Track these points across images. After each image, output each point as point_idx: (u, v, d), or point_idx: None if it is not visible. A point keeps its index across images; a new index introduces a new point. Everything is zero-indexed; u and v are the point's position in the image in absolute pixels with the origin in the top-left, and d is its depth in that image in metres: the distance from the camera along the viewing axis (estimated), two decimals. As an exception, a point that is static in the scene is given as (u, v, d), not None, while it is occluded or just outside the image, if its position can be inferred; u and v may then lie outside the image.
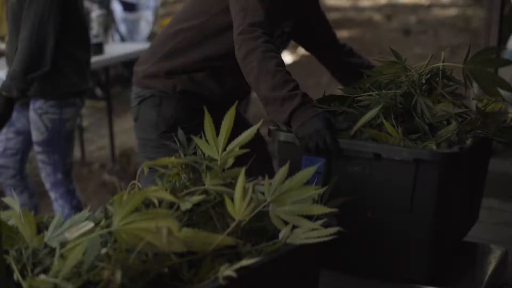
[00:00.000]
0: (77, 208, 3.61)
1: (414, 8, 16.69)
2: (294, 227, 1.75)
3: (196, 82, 2.69)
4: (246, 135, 1.92)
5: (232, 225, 1.68)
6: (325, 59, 2.98)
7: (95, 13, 5.48)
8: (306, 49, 2.99)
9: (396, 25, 13.39)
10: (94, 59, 4.92)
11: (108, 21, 5.66)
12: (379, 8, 16.48)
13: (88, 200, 4.75)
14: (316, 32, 2.89)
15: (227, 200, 1.69)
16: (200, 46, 2.67)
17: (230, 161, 1.94)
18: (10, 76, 3.28)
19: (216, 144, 1.90)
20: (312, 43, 2.95)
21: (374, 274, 2.32)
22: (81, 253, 1.51)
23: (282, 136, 2.29)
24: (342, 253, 2.13)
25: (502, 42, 4.66)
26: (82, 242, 1.54)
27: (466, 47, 2.39)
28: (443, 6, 17.13)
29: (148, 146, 2.74)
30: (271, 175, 1.83)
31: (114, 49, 5.42)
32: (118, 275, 1.44)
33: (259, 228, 1.79)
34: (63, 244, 1.62)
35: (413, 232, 2.19)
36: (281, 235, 1.74)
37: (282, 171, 1.78)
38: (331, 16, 2.71)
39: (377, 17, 14.99)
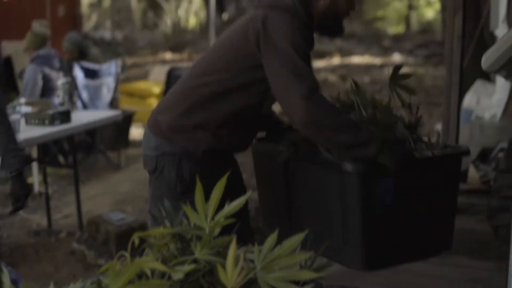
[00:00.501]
0: (14, 282, 3.53)
1: (367, 68, 17.03)
2: (283, 292, 1.80)
3: (218, 138, 2.79)
4: (235, 205, 1.97)
5: (225, 293, 1.72)
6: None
7: (60, 80, 5.51)
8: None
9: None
10: (61, 127, 4.97)
11: (72, 88, 5.68)
12: (333, 69, 16.78)
13: (58, 269, 4.72)
14: None
15: (219, 269, 1.73)
16: (224, 100, 2.78)
17: (218, 230, 1.98)
18: (10, 155, 3.28)
19: (205, 212, 1.95)
20: None
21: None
22: (80, 326, 1.54)
23: (352, 168, 2.62)
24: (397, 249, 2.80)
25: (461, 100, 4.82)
26: (80, 315, 1.56)
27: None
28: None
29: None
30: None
31: (79, 116, 5.45)
32: None
33: (249, 295, 1.83)
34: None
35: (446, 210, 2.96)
36: (270, 301, 1.78)
37: (271, 239, 1.83)
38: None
39: (332, 77, 15.25)
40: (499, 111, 6.76)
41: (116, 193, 6.86)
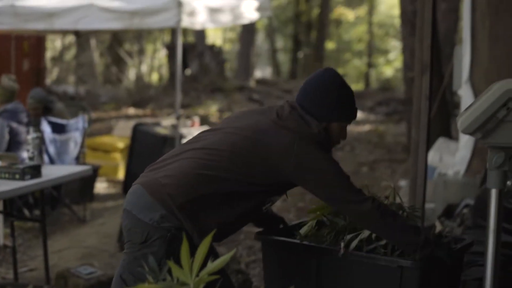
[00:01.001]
0: None
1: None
2: None
3: (221, 229, 2.89)
4: (217, 263, 2.02)
5: None
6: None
7: (31, 135, 5.50)
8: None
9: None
10: (32, 182, 4.96)
11: (41, 142, 5.68)
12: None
13: (25, 324, 4.66)
14: None
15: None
16: (238, 200, 2.98)
17: (202, 286, 2.02)
18: None
19: (191, 269, 1.99)
20: None
21: None
22: None
23: (411, 264, 3.07)
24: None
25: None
26: None
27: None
28: (357, 122, 17.67)
29: (140, 272, 2.82)
30: None
31: (49, 171, 5.44)
32: None
33: None
34: None
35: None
36: None
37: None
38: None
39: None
40: (462, 168, 6.88)
41: (82, 247, 6.82)
